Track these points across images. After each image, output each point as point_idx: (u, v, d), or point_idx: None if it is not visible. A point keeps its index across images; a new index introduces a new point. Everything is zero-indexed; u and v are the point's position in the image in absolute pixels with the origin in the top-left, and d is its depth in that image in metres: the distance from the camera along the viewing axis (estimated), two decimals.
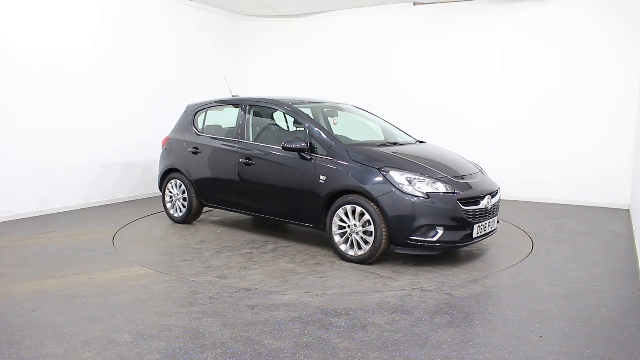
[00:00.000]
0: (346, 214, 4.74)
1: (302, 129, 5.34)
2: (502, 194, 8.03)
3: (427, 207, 4.44)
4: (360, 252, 4.67)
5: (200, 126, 6.27)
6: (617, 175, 7.34)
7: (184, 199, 6.23)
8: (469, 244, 4.73)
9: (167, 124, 8.29)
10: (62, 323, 3.33)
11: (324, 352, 2.96)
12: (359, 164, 4.74)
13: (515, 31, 7.91)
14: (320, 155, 4.97)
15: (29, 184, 6.43)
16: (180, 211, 6.29)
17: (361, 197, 4.63)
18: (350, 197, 4.70)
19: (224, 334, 3.19)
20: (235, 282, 4.20)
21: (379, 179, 4.58)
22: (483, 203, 4.71)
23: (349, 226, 4.72)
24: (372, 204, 4.55)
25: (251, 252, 5.12)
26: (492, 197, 4.88)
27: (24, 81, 6.30)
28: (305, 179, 5.05)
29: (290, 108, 5.50)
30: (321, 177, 4.92)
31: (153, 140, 8.11)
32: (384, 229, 4.50)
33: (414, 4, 8.56)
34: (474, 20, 8.18)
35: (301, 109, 5.48)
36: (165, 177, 6.44)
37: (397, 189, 4.48)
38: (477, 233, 4.68)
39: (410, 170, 4.63)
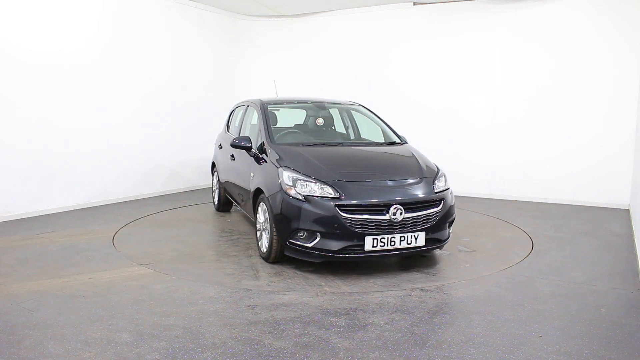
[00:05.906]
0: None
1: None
2: (502, 194, 8.11)
3: (301, 211, 4.20)
4: (264, 250, 4.72)
5: (229, 125, 6.87)
6: (617, 175, 7.35)
7: (218, 189, 7.00)
8: (360, 257, 4.23)
9: (167, 123, 8.33)
10: (62, 323, 3.33)
11: (324, 352, 2.96)
12: (271, 163, 4.73)
13: (515, 31, 7.91)
14: (260, 154, 5.09)
15: (29, 183, 6.43)
16: (216, 201, 7.08)
17: (264, 195, 4.66)
18: (262, 195, 4.76)
19: (224, 334, 3.19)
20: (144, 258, 4.74)
21: (274, 178, 4.54)
22: (388, 214, 4.18)
23: (261, 223, 4.83)
24: (269, 203, 4.53)
25: (217, 240, 5.63)
26: (406, 209, 4.23)
27: (24, 80, 6.29)
28: (247, 175, 5.27)
29: (260, 107, 5.63)
30: (252, 174, 5.10)
31: (153, 139, 8.12)
32: (273, 229, 4.43)
33: (414, 4, 8.56)
34: (473, 20, 8.19)
35: (274, 110, 5.68)
36: (212, 170, 7.29)
37: (283, 189, 4.38)
38: (374, 246, 4.16)
39: (302, 172, 4.41)
